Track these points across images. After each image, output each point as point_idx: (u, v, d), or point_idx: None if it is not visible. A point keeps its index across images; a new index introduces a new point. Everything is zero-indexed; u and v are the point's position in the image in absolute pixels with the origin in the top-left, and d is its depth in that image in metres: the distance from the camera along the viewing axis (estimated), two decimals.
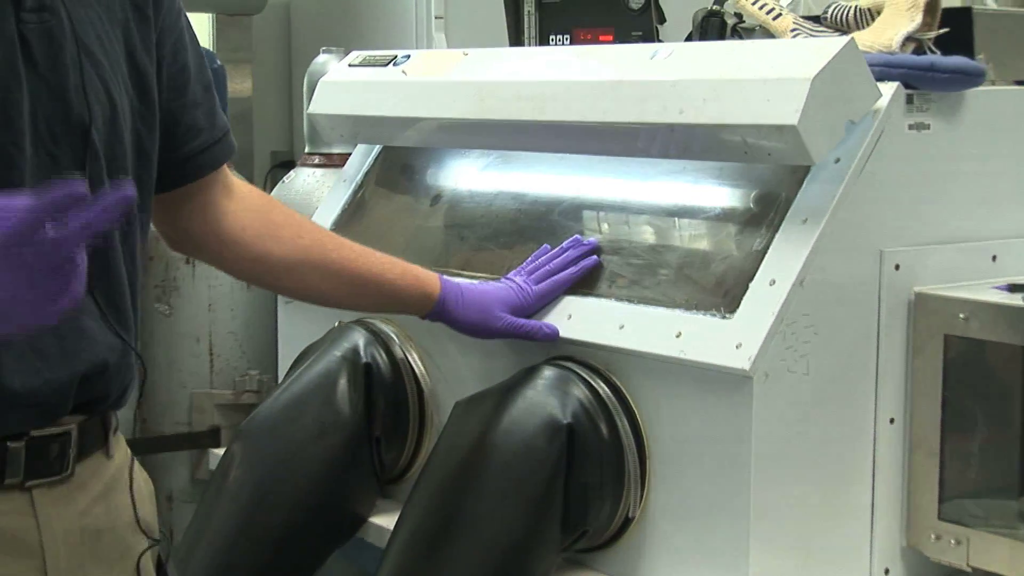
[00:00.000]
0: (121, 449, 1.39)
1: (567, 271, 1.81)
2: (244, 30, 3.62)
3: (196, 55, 1.49)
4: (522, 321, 1.78)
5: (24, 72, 1.24)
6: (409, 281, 1.75)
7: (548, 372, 1.73)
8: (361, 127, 2.23)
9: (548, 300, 1.80)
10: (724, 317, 1.62)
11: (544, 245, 1.86)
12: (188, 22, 1.50)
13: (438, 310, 1.77)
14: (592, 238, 1.85)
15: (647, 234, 1.87)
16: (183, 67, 1.45)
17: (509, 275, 1.82)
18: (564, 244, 1.83)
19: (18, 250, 1.02)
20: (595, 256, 1.82)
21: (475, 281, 1.84)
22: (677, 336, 1.64)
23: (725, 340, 1.58)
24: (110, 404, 1.35)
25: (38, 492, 1.27)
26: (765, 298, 1.59)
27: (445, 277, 1.79)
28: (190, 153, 1.48)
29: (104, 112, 1.31)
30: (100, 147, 1.30)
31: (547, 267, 1.81)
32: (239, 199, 1.59)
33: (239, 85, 3.57)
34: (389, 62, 2.17)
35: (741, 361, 1.55)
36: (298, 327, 2.20)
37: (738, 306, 1.61)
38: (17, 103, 1.23)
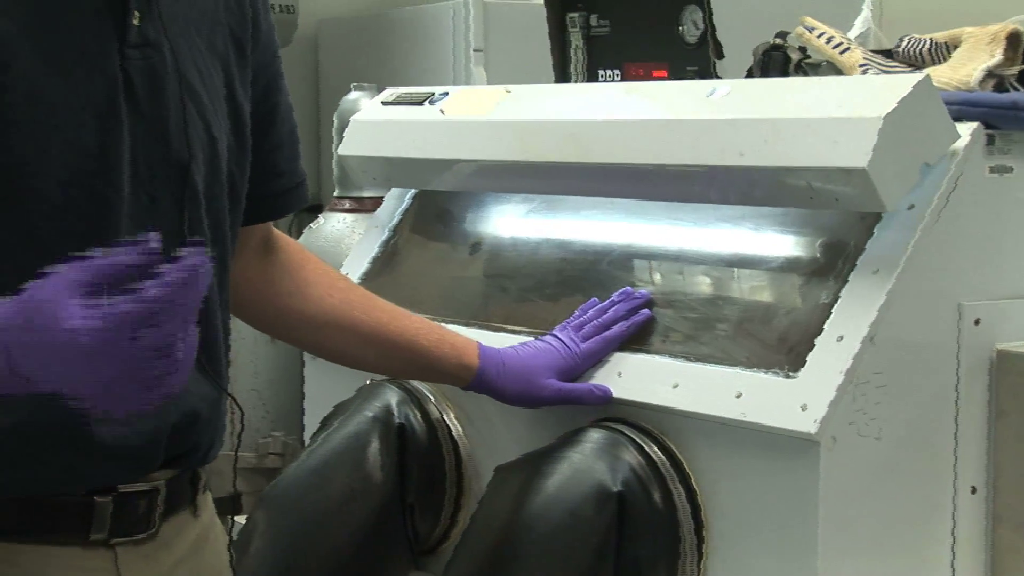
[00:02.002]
0: (208, 509, 1.44)
1: (618, 326, 1.80)
2: None
3: (286, 97, 1.54)
4: (570, 386, 1.77)
5: (126, 111, 1.29)
6: (445, 350, 1.75)
7: (596, 435, 1.73)
8: (395, 169, 2.25)
9: (598, 359, 1.80)
10: (788, 376, 1.62)
11: (592, 298, 1.86)
12: (281, 64, 1.55)
13: (477, 382, 1.77)
14: (644, 290, 1.85)
15: (704, 285, 1.87)
16: (273, 107, 1.50)
17: (554, 331, 1.82)
18: (614, 297, 1.84)
19: (116, 340, 1.05)
20: (648, 310, 1.82)
21: (517, 342, 1.83)
22: (737, 396, 1.64)
23: (789, 401, 1.58)
24: (199, 458, 1.40)
25: (122, 549, 1.32)
26: (833, 356, 1.59)
27: (484, 345, 1.79)
28: (265, 195, 1.52)
29: (204, 151, 1.36)
30: (199, 187, 1.35)
31: (596, 322, 1.81)
32: (274, 251, 1.63)
33: None
34: (425, 100, 2.19)
35: (807, 424, 1.55)
36: (326, 385, 2.21)
37: (803, 364, 1.61)
38: (117, 144, 1.28)
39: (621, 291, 1.84)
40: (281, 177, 1.57)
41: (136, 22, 1.32)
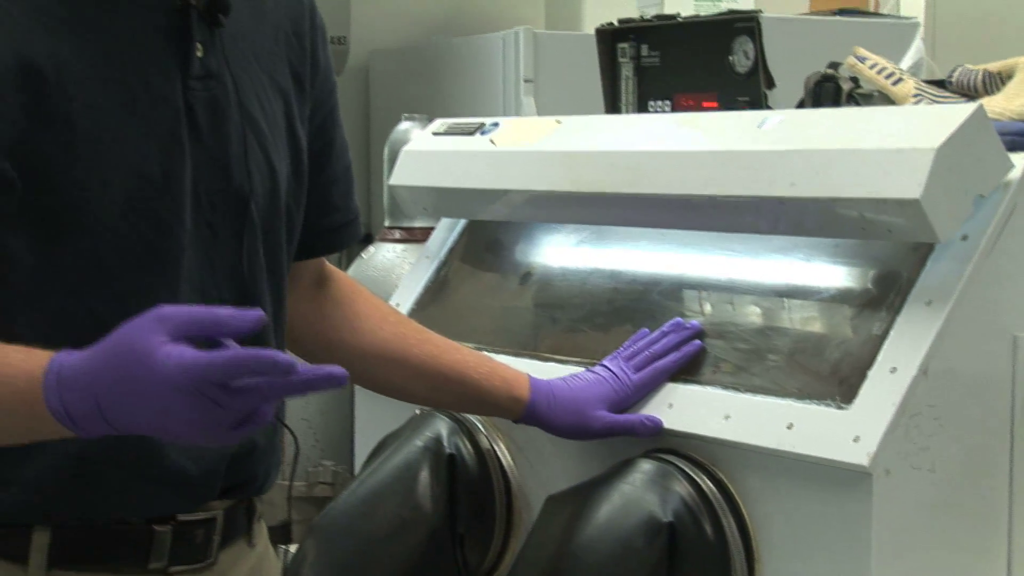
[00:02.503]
0: (262, 538, 1.45)
1: (669, 357, 1.80)
2: None
3: (341, 133, 1.56)
4: (621, 418, 1.77)
5: (188, 142, 1.31)
6: (496, 383, 1.75)
7: (647, 466, 1.73)
8: (445, 200, 2.26)
9: (649, 390, 1.79)
10: (840, 408, 1.61)
11: (643, 328, 1.86)
12: (337, 100, 1.57)
13: (528, 415, 1.77)
14: (695, 320, 1.85)
15: (754, 316, 1.87)
16: (329, 143, 1.53)
17: (605, 361, 1.82)
18: (664, 327, 1.83)
19: (210, 389, 1.09)
20: (698, 341, 1.82)
21: (567, 372, 1.83)
22: (788, 428, 1.63)
23: (841, 433, 1.57)
24: (256, 488, 1.41)
25: None
26: (885, 387, 1.58)
27: (535, 378, 1.79)
28: (319, 230, 1.54)
29: (264, 183, 1.38)
30: (258, 219, 1.37)
31: (647, 353, 1.80)
32: (326, 284, 1.64)
33: None
34: (476, 130, 2.20)
35: (859, 456, 1.54)
36: (376, 414, 2.22)
37: (855, 396, 1.60)
38: (179, 174, 1.30)
39: (672, 322, 1.84)
40: (335, 212, 1.58)
41: (199, 54, 1.34)
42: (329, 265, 1.68)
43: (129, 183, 1.30)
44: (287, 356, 1.10)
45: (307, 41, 1.52)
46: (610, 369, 1.80)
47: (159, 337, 1.10)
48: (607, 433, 1.77)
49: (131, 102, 1.30)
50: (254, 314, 1.12)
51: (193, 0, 1.35)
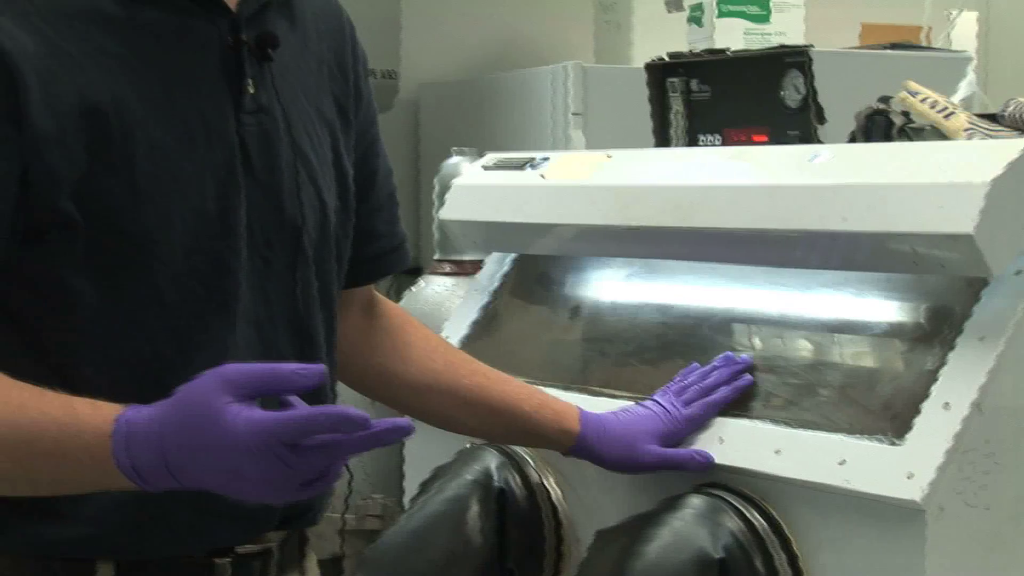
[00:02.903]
0: (313, 570, 1.47)
1: (720, 392, 1.79)
2: None
3: (384, 162, 1.58)
4: (672, 452, 1.76)
5: (243, 176, 1.32)
6: (546, 415, 1.75)
7: (697, 501, 1.72)
8: (495, 233, 2.27)
9: (699, 424, 1.79)
10: (892, 443, 1.60)
11: (693, 363, 1.85)
12: (379, 129, 1.58)
13: (578, 447, 1.76)
14: (746, 355, 1.84)
15: (805, 351, 1.86)
16: (372, 172, 1.54)
17: (655, 395, 1.82)
18: (715, 362, 1.82)
19: (280, 450, 1.10)
20: (749, 375, 1.81)
21: (617, 406, 1.83)
22: (840, 463, 1.62)
23: (894, 469, 1.56)
24: (309, 519, 1.43)
25: None
26: (938, 423, 1.57)
27: (585, 411, 1.78)
28: (364, 257, 1.55)
29: (315, 215, 1.40)
30: (310, 251, 1.38)
31: (698, 387, 1.79)
32: (376, 314, 1.65)
33: None
34: (526, 164, 2.21)
35: (912, 492, 1.53)
36: (426, 448, 2.22)
37: (908, 432, 1.59)
38: (236, 209, 1.32)
39: (722, 356, 1.83)
40: (380, 240, 1.59)
41: (250, 90, 1.35)
42: (379, 295, 1.69)
43: (189, 221, 1.31)
44: (360, 412, 1.12)
45: (350, 73, 1.53)
46: (660, 403, 1.79)
47: (226, 397, 1.12)
48: (657, 467, 1.76)
49: (189, 140, 1.31)
50: (316, 369, 1.14)
51: (244, 36, 1.36)
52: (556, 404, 1.76)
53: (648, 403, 1.81)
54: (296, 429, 1.10)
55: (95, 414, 1.17)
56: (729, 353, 1.84)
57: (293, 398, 1.16)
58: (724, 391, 1.79)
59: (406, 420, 1.14)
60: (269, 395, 1.14)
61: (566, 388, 1.98)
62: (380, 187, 1.59)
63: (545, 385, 1.94)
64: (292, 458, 1.10)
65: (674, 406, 1.78)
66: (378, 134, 1.59)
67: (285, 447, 1.10)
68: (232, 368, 1.14)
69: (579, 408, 1.78)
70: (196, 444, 1.12)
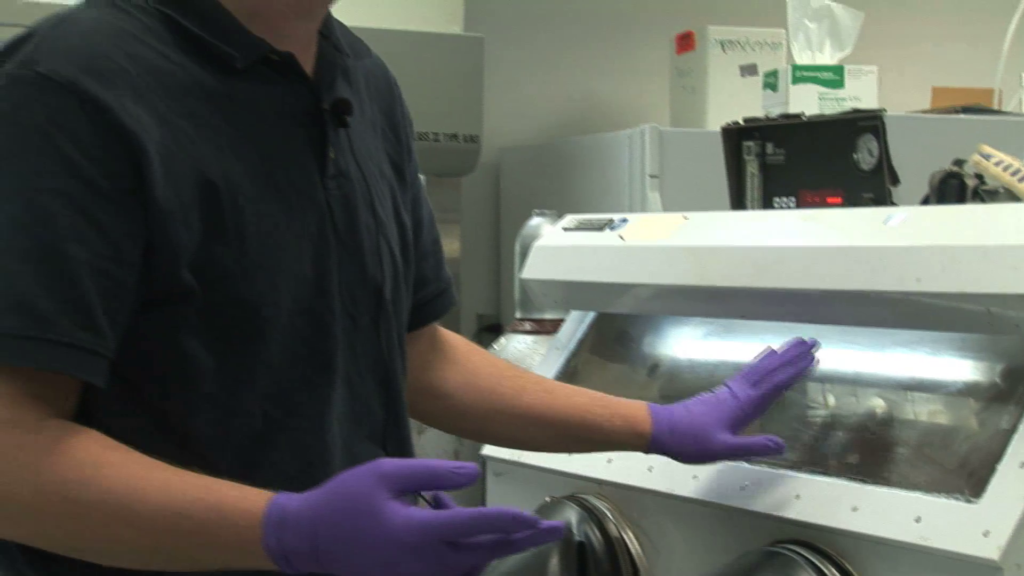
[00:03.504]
0: None
1: (785, 372, 1.73)
2: (454, 190, 3.74)
3: (428, 210, 1.60)
4: (744, 441, 1.71)
5: (332, 240, 1.34)
6: (617, 424, 1.72)
7: (773, 556, 1.71)
8: (575, 293, 2.27)
9: (767, 406, 1.74)
10: (969, 501, 1.58)
11: (767, 347, 1.80)
12: (420, 179, 1.61)
13: (652, 447, 1.72)
14: (812, 338, 1.79)
15: (880, 409, 1.84)
16: (419, 221, 1.56)
17: (727, 381, 1.76)
18: (784, 344, 1.77)
19: (441, 548, 1.14)
20: (815, 356, 1.77)
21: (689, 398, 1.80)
22: (917, 520, 1.60)
23: (971, 526, 1.54)
24: None
25: None
26: (1015, 481, 1.54)
27: (655, 410, 1.73)
28: (417, 303, 1.56)
29: (391, 271, 1.42)
30: (390, 305, 1.39)
31: (763, 368, 1.74)
32: (441, 348, 1.66)
33: (447, 246, 3.66)
34: (605, 226, 2.21)
35: (990, 550, 1.51)
36: (507, 500, 2.22)
37: (985, 490, 1.57)
38: (330, 271, 1.35)
39: (791, 339, 1.78)
40: (428, 285, 1.62)
41: (332, 155, 1.38)
42: (441, 329, 1.70)
43: (292, 286, 1.33)
44: (526, 513, 1.15)
45: (401, 132, 1.56)
46: (730, 388, 1.73)
47: (384, 494, 1.15)
48: (730, 455, 1.73)
49: (288, 208, 1.34)
50: (470, 469, 1.17)
51: (325, 104, 1.38)
52: (626, 409, 1.73)
53: (719, 390, 1.75)
54: (460, 529, 1.14)
55: (243, 498, 1.20)
56: (799, 337, 1.79)
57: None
58: (789, 371, 1.73)
59: (561, 523, 1.20)
60: (424, 491, 1.17)
61: None
62: (426, 235, 1.61)
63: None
64: (451, 556, 1.14)
65: (742, 389, 1.73)
66: (421, 185, 1.62)
67: (446, 545, 1.13)
68: (389, 464, 1.18)
69: (649, 406, 1.74)
70: (353, 537, 1.15)
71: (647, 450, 1.74)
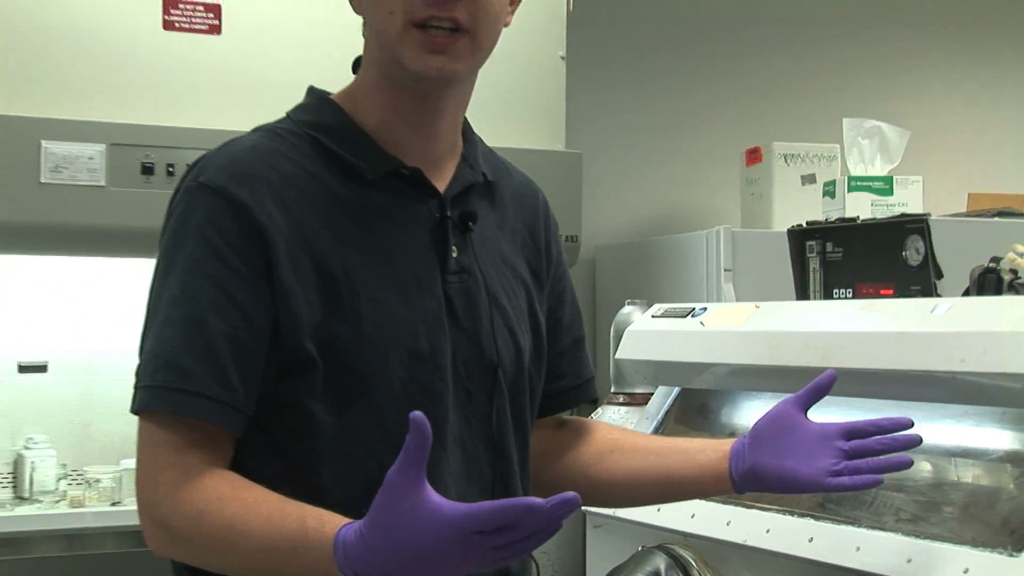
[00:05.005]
0: None
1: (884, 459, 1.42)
2: None
3: (572, 311, 1.58)
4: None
5: (448, 324, 1.36)
6: (706, 480, 1.53)
7: None
8: (663, 371, 2.26)
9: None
10: (1011, 555, 1.54)
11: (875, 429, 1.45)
12: (571, 284, 1.58)
13: (740, 488, 1.50)
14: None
15: (931, 473, 1.81)
16: (558, 320, 1.55)
17: (825, 425, 1.46)
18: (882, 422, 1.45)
19: (478, 538, 1.11)
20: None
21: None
22: (965, 572, 1.57)
23: None
24: None
25: None
26: None
27: (735, 453, 1.49)
28: (549, 393, 1.55)
29: (510, 354, 1.42)
30: (505, 383, 1.40)
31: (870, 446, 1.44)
32: (563, 430, 1.65)
33: None
34: (688, 313, 2.21)
35: None
36: (605, 549, 2.21)
37: None
38: (444, 350, 1.36)
39: (890, 420, 1.45)
40: (563, 378, 1.59)
41: (455, 255, 1.39)
42: (584, 420, 1.66)
43: (405, 359, 1.34)
44: (536, 500, 1.09)
45: (541, 241, 1.56)
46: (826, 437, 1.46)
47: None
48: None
49: (405, 295, 1.35)
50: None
51: (449, 214, 1.40)
52: (709, 462, 1.52)
53: (810, 433, 1.48)
54: (484, 519, 1.10)
55: (321, 529, 1.20)
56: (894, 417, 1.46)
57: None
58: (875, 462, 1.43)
59: (572, 493, 1.09)
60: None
61: (723, 502, 1.96)
62: (564, 334, 1.59)
63: (709, 501, 1.92)
64: (486, 542, 1.10)
65: (841, 446, 1.45)
66: (565, 288, 1.60)
67: (478, 535, 1.10)
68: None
69: (729, 452, 1.51)
70: (397, 531, 1.13)
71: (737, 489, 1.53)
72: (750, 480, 1.48)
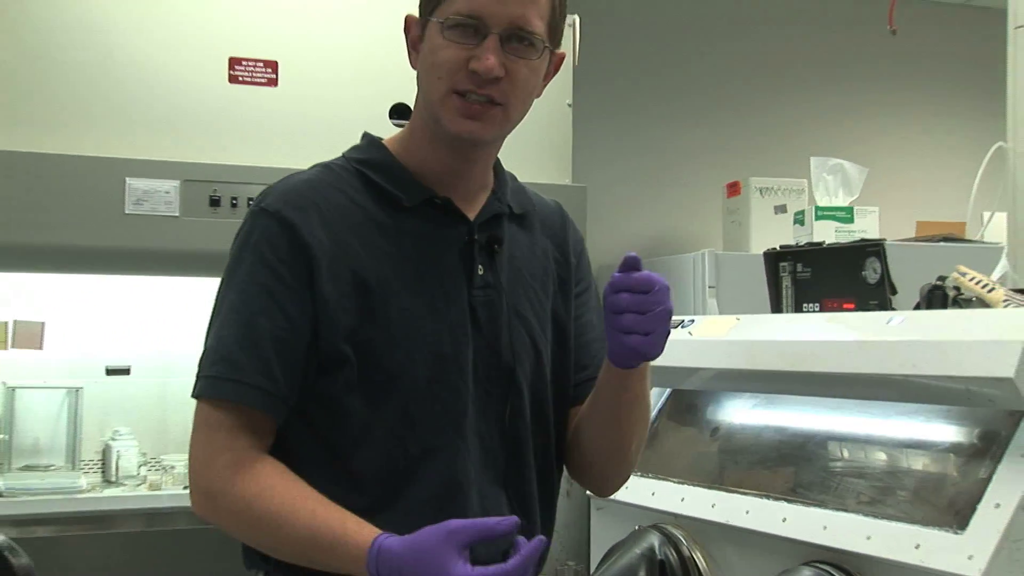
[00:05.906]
0: None
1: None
2: None
3: (590, 312, 1.55)
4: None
5: (471, 331, 1.36)
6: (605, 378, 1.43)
7: (807, 572, 1.68)
8: (656, 374, 2.22)
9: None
10: (956, 533, 1.54)
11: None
12: (595, 290, 1.56)
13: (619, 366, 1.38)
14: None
15: (886, 462, 1.81)
16: (587, 323, 1.52)
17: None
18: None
19: None
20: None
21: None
22: (916, 547, 1.57)
23: (959, 552, 1.51)
24: None
25: None
26: (991, 519, 1.51)
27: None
28: (576, 381, 1.53)
29: (530, 359, 1.41)
30: (524, 385, 1.40)
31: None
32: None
33: None
34: (678, 325, 2.21)
35: (973, 571, 1.47)
36: (607, 528, 2.21)
37: (968, 524, 1.53)
38: (466, 354, 1.36)
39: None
40: (586, 369, 1.57)
41: (480, 272, 1.39)
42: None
43: (430, 360, 1.34)
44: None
45: (570, 254, 1.54)
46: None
47: (453, 553, 1.16)
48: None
49: (432, 305, 1.35)
50: (507, 523, 1.18)
51: (476, 237, 1.41)
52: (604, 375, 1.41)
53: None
54: None
55: (360, 532, 1.22)
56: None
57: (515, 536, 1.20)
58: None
59: (538, 539, 1.18)
60: (482, 541, 1.17)
61: (708, 487, 1.96)
62: (585, 330, 1.56)
63: (691, 485, 1.92)
64: None
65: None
66: (589, 295, 1.56)
67: None
68: (455, 523, 1.18)
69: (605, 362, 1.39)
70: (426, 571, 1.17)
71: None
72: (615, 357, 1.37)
